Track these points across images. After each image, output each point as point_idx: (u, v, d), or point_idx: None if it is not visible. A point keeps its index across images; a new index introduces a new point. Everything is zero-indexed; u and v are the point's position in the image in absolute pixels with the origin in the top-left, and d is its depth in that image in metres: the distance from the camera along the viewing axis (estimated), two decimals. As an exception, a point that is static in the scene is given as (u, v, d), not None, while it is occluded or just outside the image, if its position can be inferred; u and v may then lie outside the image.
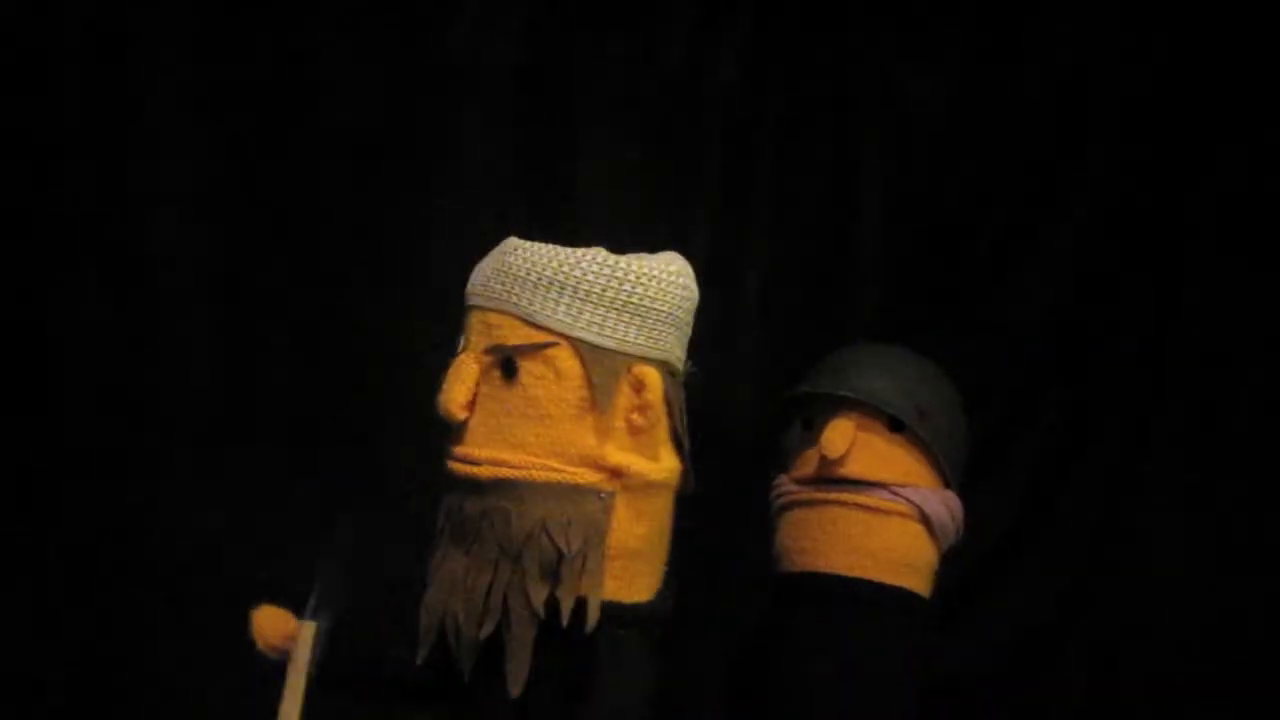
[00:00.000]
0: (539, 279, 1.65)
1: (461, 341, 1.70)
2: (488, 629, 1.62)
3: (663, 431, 1.72)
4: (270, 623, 1.73)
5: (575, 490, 1.63)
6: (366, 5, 2.38)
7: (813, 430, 2.05)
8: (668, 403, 1.71)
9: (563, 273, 1.65)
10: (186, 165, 2.32)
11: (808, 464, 2.06)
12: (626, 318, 1.66)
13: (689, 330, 1.75)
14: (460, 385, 1.65)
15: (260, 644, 1.73)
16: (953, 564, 2.18)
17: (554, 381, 1.64)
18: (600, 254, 1.67)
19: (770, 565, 2.12)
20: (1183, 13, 2.52)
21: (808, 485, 2.06)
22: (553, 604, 1.61)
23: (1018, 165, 2.56)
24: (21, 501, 2.27)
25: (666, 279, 1.70)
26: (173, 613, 2.28)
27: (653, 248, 2.37)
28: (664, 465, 1.72)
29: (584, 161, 2.45)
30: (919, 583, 2.04)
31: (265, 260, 2.35)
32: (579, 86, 2.45)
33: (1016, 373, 2.55)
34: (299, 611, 1.72)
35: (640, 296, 1.67)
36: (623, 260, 1.67)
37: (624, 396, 1.66)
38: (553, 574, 1.62)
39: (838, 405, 2.04)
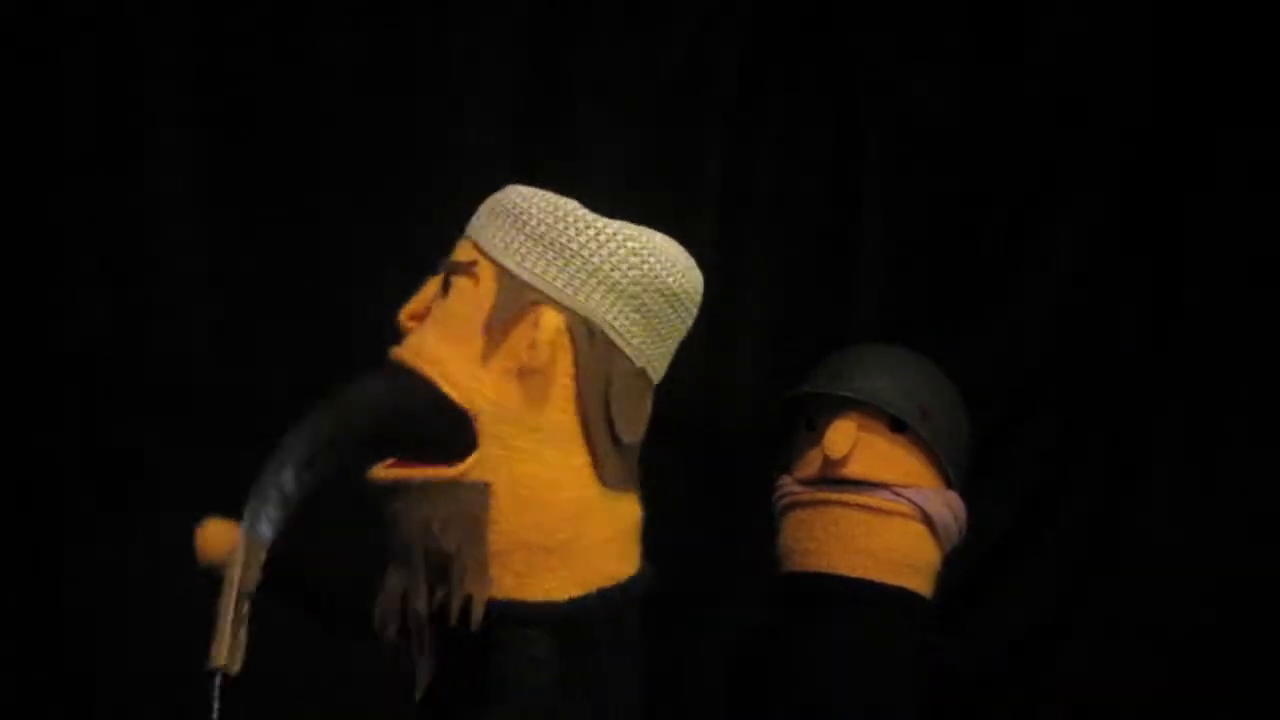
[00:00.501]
0: (501, 212, 1.64)
1: None
2: (391, 633, 1.61)
3: (562, 404, 1.61)
4: (215, 535, 1.69)
5: (451, 485, 1.57)
6: (366, 4, 2.37)
7: (815, 431, 2.05)
8: (577, 365, 1.60)
9: (515, 205, 1.64)
10: (185, 166, 2.32)
11: (810, 464, 2.06)
12: (551, 256, 1.61)
13: (654, 317, 1.66)
14: (417, 298, 1.66)
15: (201, 556, 1.69)
16: (954, 564, 2.18)
17: (470, 300, 1.62)
18: (561, 199, 1.64)
19: (773, 566, 2.12)
20: (1184, 12, 2.52)
21: (810, 486, 2.06)
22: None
23: (1018, 165, 2.56)
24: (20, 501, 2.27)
25: (621, 242, 1.64)
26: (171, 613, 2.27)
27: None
28: (549, 456, 1.60)
29: (584, 161, 2.44)
30: (921, 583, 2.04)
31: (264, 261, 2.34)
32: (579, 86, 2.45)
33: (1016, 373, 2.55)
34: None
35: (574, 241, 1.61)
36: (573, 207, 1.64)
37: (520, 334, 1.60)
38: (441, 575, 1.58)
39: (840, 406, 2.03)
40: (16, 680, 2.27)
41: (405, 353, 1.62)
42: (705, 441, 2.52)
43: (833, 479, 2.02)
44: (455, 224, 2.31)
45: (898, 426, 2.03)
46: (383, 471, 1.61)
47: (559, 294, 1.61)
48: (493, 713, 1.58)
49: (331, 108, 2.37)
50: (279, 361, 2.34)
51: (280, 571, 1.60)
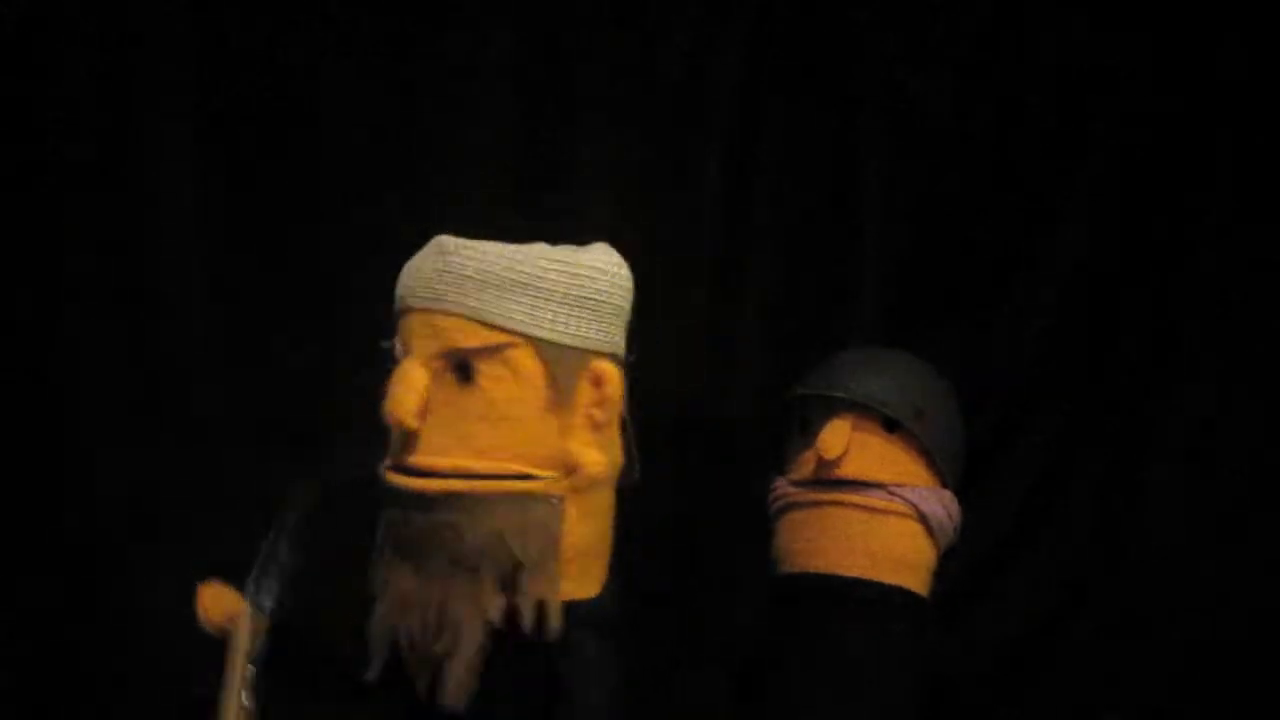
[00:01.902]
0: (489, 278, 1.62)
1: (398, 346, 1.67)
2: (444, 644, 1.62)
3: (614, 425, 1.72)
4: (215, 600, 1.74)
5: (526, 498, 1.62)
6: (366, 5, 2.38)
7: (809, 432, 2.06)
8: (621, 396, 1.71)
9: (516, 271, 1.63)
10: (185, 170, 2.32)
11: (805, 465, 2.07)
12: (582, 314, 1.65)
13: (629, 320, 1.75)
14: (411, 393, 1.60)
15: (203, 621, 1.73)
16: (953, 565, 2.19)
17: (513, 382, 1.62)
18: (545, 249, 1.66)
19: (770, 568, 2.13)
20: (1185, 15, 2.52)
21: (805, 486, 2.07)
22: (510, 613, 1.62)
23: (1020, 167, 2.55)
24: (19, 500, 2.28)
25: (613, 272, 1.70)
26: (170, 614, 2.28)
27: (653, 248, 2.42)
28: (614, 460, 1.73)
29: (584, 161, 2.45)
30: (917, 582, 2.05)
31: (264, 263, 2.35)
32: (579, 86, 2.45)
33: (1017, 375, 2.54)
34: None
35: (593, 291, 1.66)
36: (573, 255, 1.67)
37: (584, 393, 1.65)
38: (509, 583, 1.62)
39: (834, 406, 2.04)
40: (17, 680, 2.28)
41: (470, 461, 1.62)
42: (706, 442, 2.52)
43: (828, 479, 2.03)
44: (453, 223, 2.35)
45: (891, 426, 2.03)
46: (445, 482, 1.61)
47: (599, 344, 1.68)
48: (564, 711, 1.67)
49: (332, 115, 2.37)
50: (279, 364, 2.34)
51: (281, 638, 1.71)
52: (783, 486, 2.11)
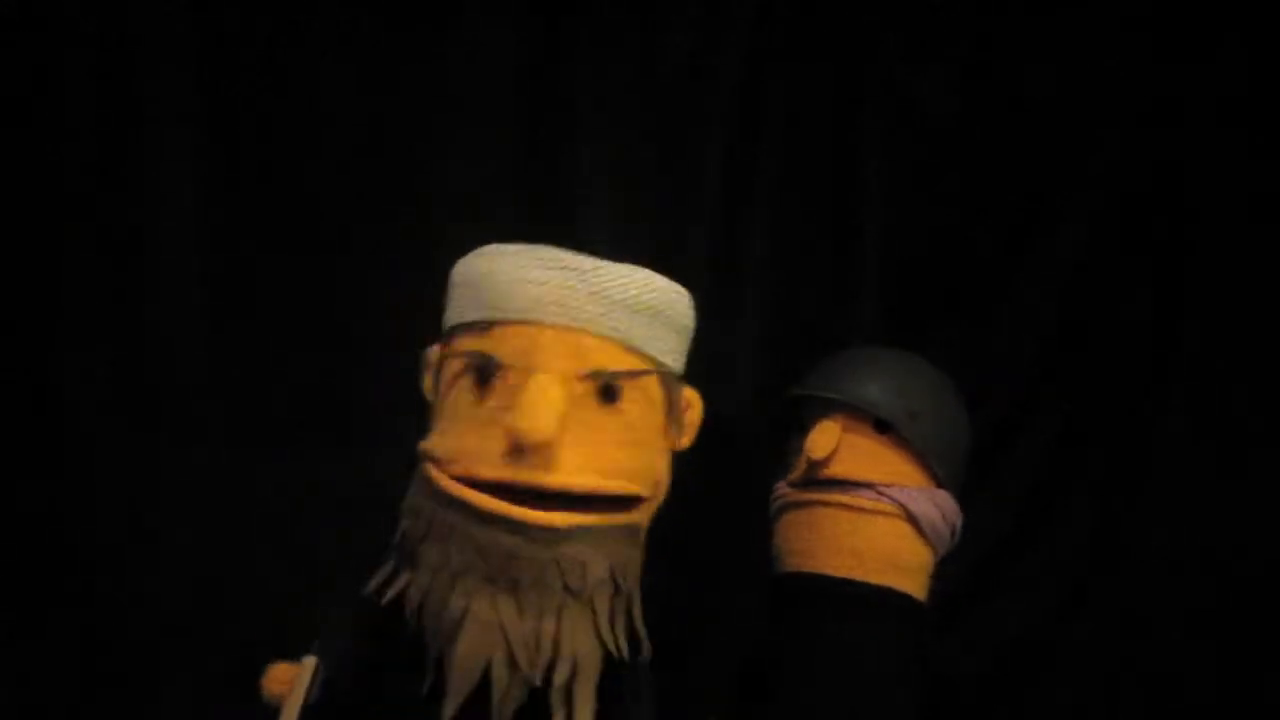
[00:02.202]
0: (635, 304, 1.65)
1: (501, 358, 1.65)
2: (561, 675, 1.61)
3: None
4: (280, 678, 1.75)
5: (631, 530, 1.66)
6: (365, 5, 2.38)
7: (805, 433, 2.06)
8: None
9: (655, 298, 1.67)
10: (184, 166, 2.33)
11: (799, 466, 2.07)
12: (683, 341, 1.74)
13: None
14: (550, 410, 1.57)
15: (267, 696, 1.75)
16: (953, 566, 2.19)
17: (646, 407, 1.67)
18: (649, 274, 1.69)
19: (768, 568, 2.13)
20: (1187, 15, 2.51)
21: (798, 487, 2.07)
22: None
23: (1020, 167, 2.55)
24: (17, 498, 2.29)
25: (688, 299, 1.75)
26: (167, 614, 2.30)
27: (654, 247, 2.43)
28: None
29: (584, 162, 2.45)
30: (909, 583, 2.05)
31: (263, 260, 2.35)
32: (579, 86, 2.45)
33: (1016, 373, 2.54)
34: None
35: (686, 318, 1.74)
36: (659, 280, 1.70)
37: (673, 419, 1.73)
38: (618, 613, 1.66)
39: (826, 407, 2.05)
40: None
41: (604, 482, 1.64)
42: (705, 442, 2.51)
43: (817, 479, 2.04)
44: (455, 226, 2.36)
45: (883, 427, 2.03)
46: (551, 516, 1.59)
47: (681, 370, 1.76)
48: None
49: (329, 110, 2.37)
50: (279, 365, 2.35)
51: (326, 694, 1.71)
52: (781, 487, 2.12)
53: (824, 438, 2.01)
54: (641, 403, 1.66)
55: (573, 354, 1.62)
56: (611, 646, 1.63)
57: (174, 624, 2.28)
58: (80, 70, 2.27)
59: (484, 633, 1.59)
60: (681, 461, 2.43)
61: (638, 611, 1.67)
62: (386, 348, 2.24)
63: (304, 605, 1.84)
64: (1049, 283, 2.55)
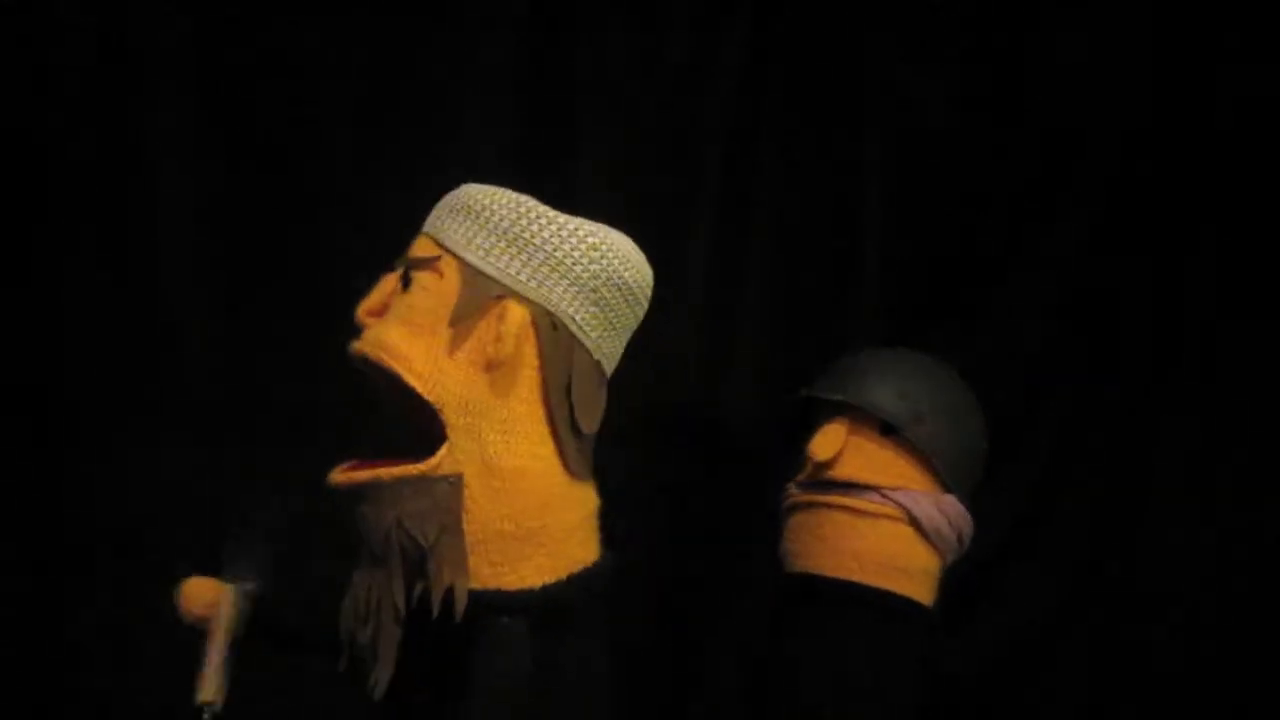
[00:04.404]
0: (457, 206, 1.68)
1: None
2: (368, 635, 1.63)
3: (528, 395, 1.65)
4: (196, 593, 1.75)
5: (425, 480, 1.60)
6: (367, 4, 2.38)
7: (813, 434, 2.06)
8: (542, 357, 1.65)
9: (476, 200, 1.67)
10: (185, 162, 2.33)
11: (806, 467, 2.07)
12: (515, 251, 1.64)
13: (610, 310, 1.69)
14: (375, 293, 1.68)
15: (184, 615, 1.76)
16: (953, 566, 2.19)
17: (433, 294, 1.65)
18: (522, 196, 1.67)
19: (776, 568, 2.13)
20: (1185, 15, 2.51)
21: (803, 489, 2.07)
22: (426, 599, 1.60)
23: (1019, 165, 2.55)
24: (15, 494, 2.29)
25: (582, 237, 1.67)
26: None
27: (654, 246, 2.42)
28: (518, 446, 1.64)
29: (584, 161, 2.45)
30: (911, 587, 2.04)
31: (262, 259, 2.35)
32: (579, 86, 2.45)
33: (1016, 373, 2.54)
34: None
35: (537, 236, 1.65)
36: (534, 203, 1.67)
37: (486, 327, 1.64)
38: (419, 569, 1.61)
39: (834, 409, 2.04)
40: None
41: (366, 346, 1.65)
42: (706, 442, 2.52)
43: (822, 481, 2.03)
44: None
45: (889, 430, 2.03)
46: (349, 474, 1.63)
47: (523, 287, 1.65)
48: (475, 702, 1.61)
49: (331, 107, 2.37)
50: (278, 364, 2.34)
51: (262, 614, 1.72)
52: (790, 488, 2.11)
53: (828, 440, 2.01)
54: (430, 290, 1.65)
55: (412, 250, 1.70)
56: (400, 606, 1.60)
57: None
58: (79, 59, 2.28)
59: (349, 596, 1.66)
60: (683, 459, 2.48)
61: (452, 569, 1.59)
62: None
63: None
64: (1048, 283, 2.55)
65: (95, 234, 2.31)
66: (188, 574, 1.77)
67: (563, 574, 1.65)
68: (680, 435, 2.51)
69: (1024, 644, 2.55)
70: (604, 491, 1.75)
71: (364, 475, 1.62)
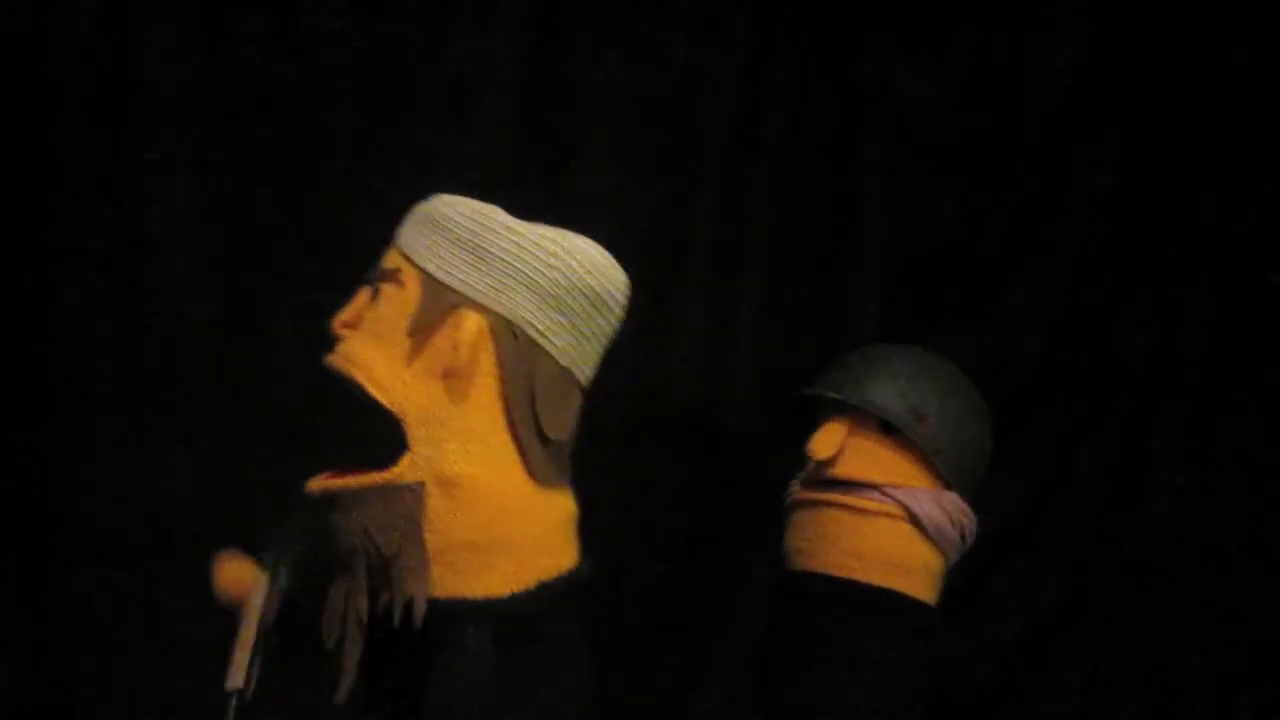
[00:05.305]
0: (423, 217, 1.70)
1: None
2: (330, 638, 1.65)
3: (488, 404, 1.65)
4: (233, 572, 1.78)
5: (388, 489, 1.61)
6: (368, 6, 2.38)
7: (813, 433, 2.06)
8: (501, 365, 1.65)
9: (439, 211, 1.68)
10: (186, 162, 2.33)
11: (808, 466, 2.07)
12: (473, 260, 1.65)
13: (576, 318, 1.69)
14: (350, 306, 1.70)
15: (219, 592, 1.77)
16: (953, 565, 2.19)
17: (395, 305, 1.66)
18: (484, 206, 1.68)
19: (779, 566, 2.12)
20: (1185, 15, 2.51)
21: (805, 487, 2.07)
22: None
23: (1020, 165, 2.55)
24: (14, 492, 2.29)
25: (543, 246, 1.66)
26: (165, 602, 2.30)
27: (654, 246, 2.43)
28: (478, 455, 1.64)
29: (584, 162, 2.45)
30: (912, 585, 2.03)
31: (262, 259, 2.36)
32: (579, 88, 2.45)
33: (1016, 373, 2.54)
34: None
35: (494, 245, 1.65)
36: (494, 212, 1.68)
37: (443, 336, 1.64)
38: (383, 578, 1.62)
39: (834, 408, 2.04)
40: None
41: (336, 359, 1.68)
42: (706, 442, 2.52)
43: (823, 480, 2.03)
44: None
45: (889, 428, 2.02)
46: (318, 483, 1.65)
47: (481, 296, 1.65)
48: (438, 711, 1.61)
49: (332, 108, 2.37)
50: (277, 360, 2.34)
51: (291, 610, 1.73)
52: (793, 486, 2.11)
53: (828, 438, 2.01)
54: (393, 301, 1.66)
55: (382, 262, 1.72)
56: (363, 614, 1.62)
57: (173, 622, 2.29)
58: (79, 63, 2.28)
59: (328, 602, 1.67)
60: (684, 457, 2.48)
61: (413, 579, 1.59)
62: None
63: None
64: (1049, 283, 2.55)
65: (96, 235, 2.31)
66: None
67: (531, 583, 1.65)
68: (680, 435, 2.50)
69: (1024, 644, 2.54)
70: (603, 493, 1.77)
71: (335, 483, 1.64)
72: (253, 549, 1.80)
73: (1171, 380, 2.54)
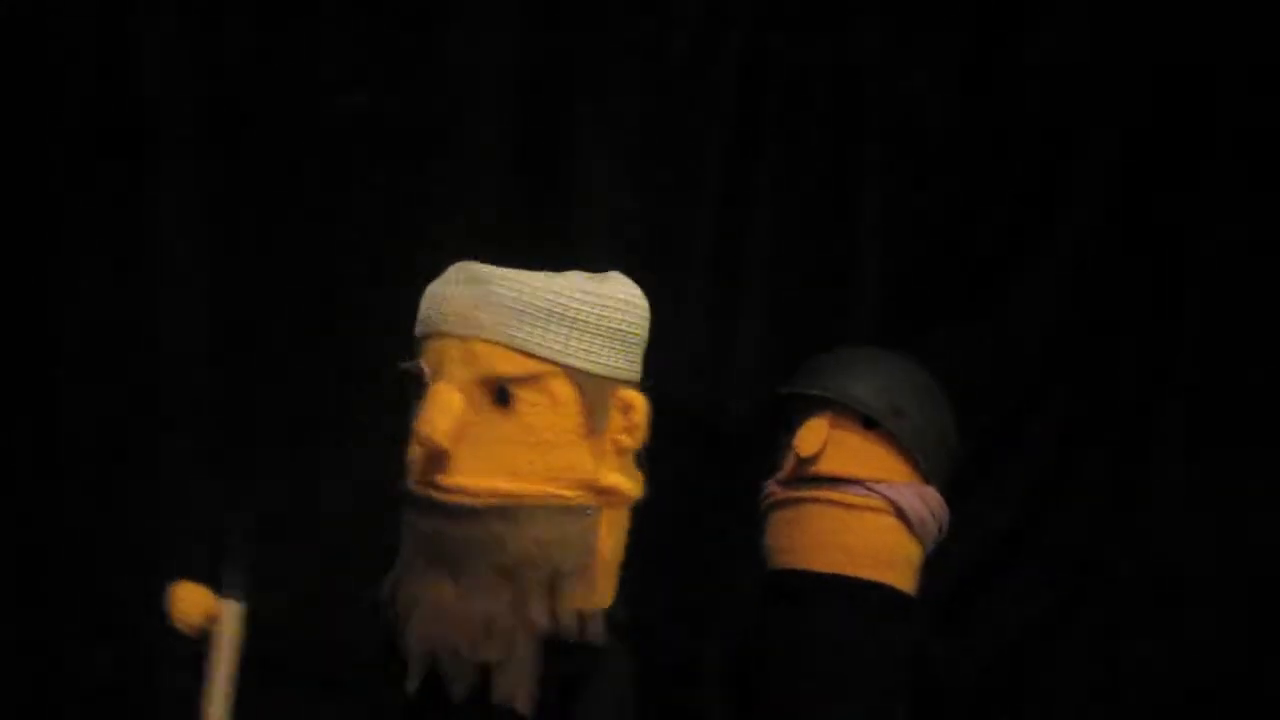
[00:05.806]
0: (526, 308, 1.67)
1: (425, 369, 1.70)
2: (492, 653, 1.66)
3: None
4: (191, 599, 1.75)
5: (565, 510, 1.68)
6: (367, 3, 2.40)
7: (793, 431, 2.07)
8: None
9: (552, 301, 1.67)
10: (187, 163, 2.35)
11: (788, 464, 2.08)
12: (612, 344, 1.71)
13: (641, 344, 1.79)
14: (446, 416, 1.64)
15: (180, 622, 1.75)
16: (953, 564, 2.19)
17: (550, 409, 1.68)
18: (572, 279, 1.71)
19: (759, 567, 2.14)
20: (1185, 15, 2.51)
21: (787, 485, 2.08)
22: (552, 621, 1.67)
23: (1018, 165, 2.55)
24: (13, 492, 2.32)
25: (636, 304, 1.74)
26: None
27: (655, 247, 2.44)
28: (639, 481, 1.77)
29: (584, 161, 2.46)
30: (898, 578, 2.05)
31: (262, 260, 2.37)
32: (579, 85, 2.46)
33: (1016, 373, 2.54)
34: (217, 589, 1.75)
35: (620, 323, 1.71)
36: (598, 286, 1.71)
37: (614, 420, 1.72)
38: (551, 592, 1.67)
39: (814, 405, 2.05)
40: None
41: (506, 483, 1.67)
42: (705, 441, 2.53)
43: (806, 477, 2.04)
44: (453, 224, 2.37)
45: (870, 424, 2.03)
46: (485, 495, 1.67)
47: (626, 373, 1.74)
48: (592, 713, 1.71)
49: (330, 107, 2.39)
50: (277, 363, 2.36)
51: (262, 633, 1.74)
52: (770, 486, 2.12)
53: (812, 435, 2.02)
54: (544, 404, 1.67)
55: (469, 361, 1.67)
56: (541, 625, 1.66)
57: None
58: (83, 77, 2.31)
59: (431, 616, 1.67)
60: (684, 459, 2.48)
61: (583, 591, 1.68)
62: (382, 350, 2.25)
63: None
64: (1049, 283, 2.55)
65: (96, 237, 2.34)
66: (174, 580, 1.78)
67: (616, 591, 1.78)
68: (680, 435, 2.50)
69: (1024, 644, 2.54)
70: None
71: (507, 499, 1.66)
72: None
73: (1171, 380, 2.53)
